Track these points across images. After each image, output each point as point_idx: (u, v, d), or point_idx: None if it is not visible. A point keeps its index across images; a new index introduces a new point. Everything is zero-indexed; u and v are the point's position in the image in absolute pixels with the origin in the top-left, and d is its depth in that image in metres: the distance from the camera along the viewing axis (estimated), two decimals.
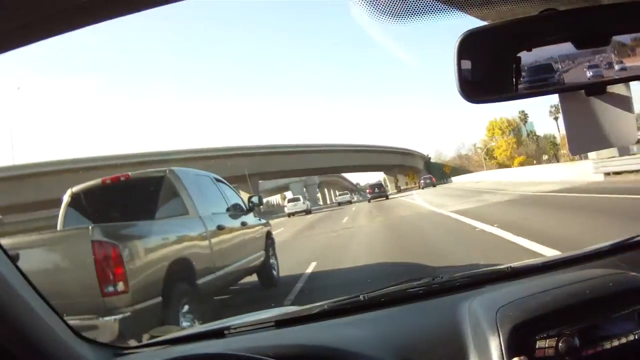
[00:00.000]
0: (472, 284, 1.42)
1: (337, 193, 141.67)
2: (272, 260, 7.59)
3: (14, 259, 1.12)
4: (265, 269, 7.24)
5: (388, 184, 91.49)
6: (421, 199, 26.86)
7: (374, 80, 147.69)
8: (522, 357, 1.00)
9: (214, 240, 5.32)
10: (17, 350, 1.07)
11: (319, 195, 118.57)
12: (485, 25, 1.06)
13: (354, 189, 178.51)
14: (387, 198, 38.85)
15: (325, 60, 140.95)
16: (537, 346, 1.02)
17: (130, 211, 5.29)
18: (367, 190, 43.26)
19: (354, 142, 73.96)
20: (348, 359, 1.11)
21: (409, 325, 1.27)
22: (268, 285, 7.27)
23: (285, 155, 59.25)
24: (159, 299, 3.96)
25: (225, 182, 6.94)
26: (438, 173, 78.82)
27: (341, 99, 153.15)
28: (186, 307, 4.30)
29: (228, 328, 1.46)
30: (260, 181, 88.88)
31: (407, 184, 75.98)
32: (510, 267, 1.47)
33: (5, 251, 1.09)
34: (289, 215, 38.25)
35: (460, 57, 1.05)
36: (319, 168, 66.60)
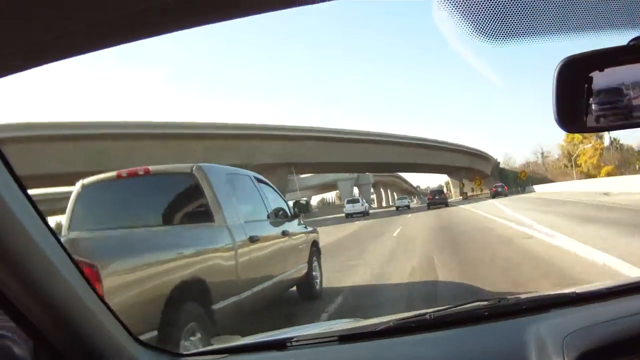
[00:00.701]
0: (538, 307, 1.36)
1: (396, 196, 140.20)
2: (315, 273, 6.69)
3: (74, 260, 1.07)
4: (306, 282, 6.35)
5: (452, 188, 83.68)
6: (524, 216, 16.09)
7: (443, 70, 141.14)
8: None
9: (243, 254, 4.46)
10: (69, 349, 1.05)
11: (373, 196, 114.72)
12: (587, 52, 1.02)
13: (414, 191, 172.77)
14: (446, 206, 38.29)
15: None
16: None
17: (146, 213, 4.53)
18: (427, 197, 42.72)
19: (415, 135, 62.17)
20: None
21: (474, 347, 1.22)
22: (308, 298, 6.39)
23: (328, 142, 45.99)
24: (154, 333, 3.14)
25: (268, 182, 6.08)
26: (508, 180, 71.63)
27: (401, 85, 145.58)
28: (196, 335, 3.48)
29: (290, 340, 1.40)
30: (301, 176, 79.39)
31: (472, 190, 68.26)
32: (576, 292, 1.41)
33: (63, 246, 1.04)
34: (347, 216, 39.03)
35: (559, 83, 1.04)
36: (373, 164, 55.38)
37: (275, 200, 6.04)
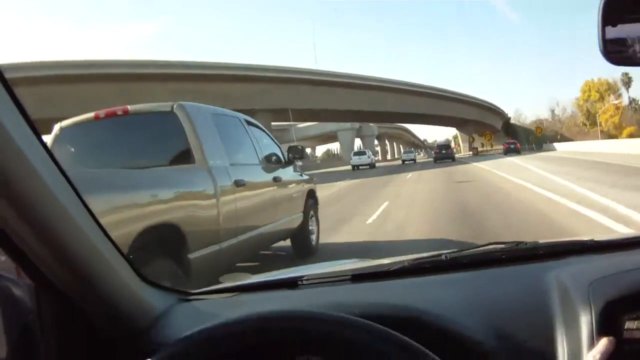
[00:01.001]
0: (557, 253, 1.33)
1: (402, 149, 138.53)
2: (311, 226, 6.37)
3: (81, 194, 1.01)
4: (301, 235, 6.03)
5: (460, 142, 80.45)
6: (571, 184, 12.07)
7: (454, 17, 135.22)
8: (611, 338, 0.92)
9: (226, 199, 4.12)
10: (74, 290, 1.01)
11: (377, 149, 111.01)
12: None
13: (421, 145, 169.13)
14: (453, 160, 38.51)
15: None
16: (625, 327, 0.95)
17: (124, 154, 4.19)
18: (434, 151, 42.30)
19: (422, 83, 56.28)
20: (431, 321, 1.04)
21: (493, 290, 1.18)
22: (303, 254, 6.09)
23: (326, 88, 41.11)
24: None
25: (261, 126, 5.68)
26: (519, 137, 67.74)
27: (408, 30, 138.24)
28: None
29: (301, 278, 1.37)
30: (298, 125, 71.73)
31: (482, 145, 61.34)
32: (595, 240, 1.37)
33: (72, 184, 0.99)
34: (354, 167, 40.03)
35: (605, 15, 1.03)
36: (376, 113, 50.39)
37: (267, 145, 5.66)
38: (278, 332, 0.91)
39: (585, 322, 0.97)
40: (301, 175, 6.23)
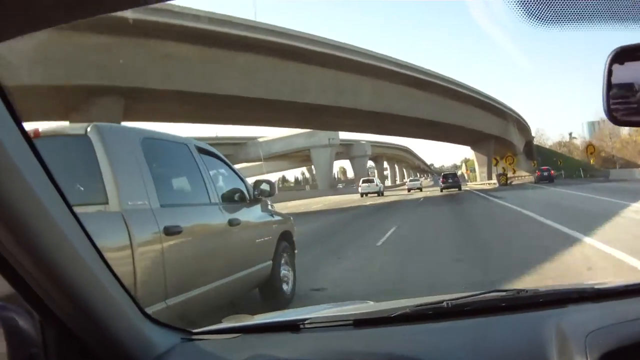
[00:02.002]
0: (558, 301, 1.35)
1: (405, 173, 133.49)
2: (284, 272, 5.32)
3: (88, 232, 1.05)
4: (270, 286, 4.99)
5: (477, 166, 63.41)
6: None
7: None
8: None
9: (146, 251, 3.13)
10: (78, 323, 1.03)
11: (373, 171, 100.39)
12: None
13: (427, 169, 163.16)
14: (459, 189, 37.11)
15: None
16: None
17: None
18: (441, 180, 40.66)
19: (430, 69, 36.77)
20: None
21: (493, 339, 1.21)
22: (273, 302, 5.00)
23: (286, 62, 25.33)
24: None
25: (218, 154, 4.69)
26: (547, 163, 53.73)
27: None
28: None
29: (303, 322, 1.38)
30: (259, 139, 61.64)
31: (504, 170, 46.55)
32: (594, 287, 1.40)
33: (80, 222, 1.02)
34: (362, 195, 39.62)
35: (610, 74, 1.05)
36: (362, 114, 32.04)
37: (227, 179, 4.68)
38: None
39: None
40: (272, 215, 5.21)
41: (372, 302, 1.72)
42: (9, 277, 0.93)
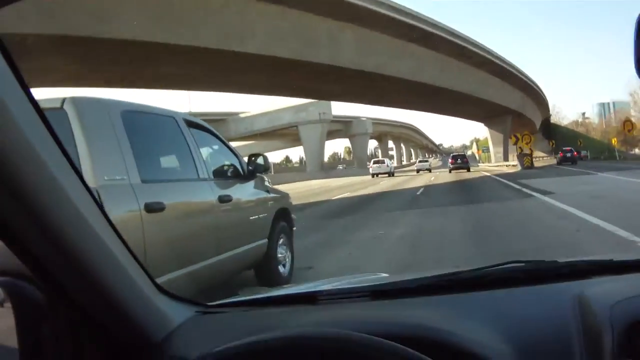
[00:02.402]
0: (578, 273, 1.29)
1: (412, 153, 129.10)
2: (281, 253, 5.17)
3: (98, 201, 1.02)
4: (266, 266, 4.84)
5: (491, 146, 56.67)
6: None
7: None
8: None
9: (131, 227, 2.99)
10: (89, 298, 1.00)
11: (377, 152, 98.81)
12: None
13: (435, 149, 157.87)
14: (468, 170, 36.64)
15: None
16: None
17: None
18: (450, 160, 40.36)
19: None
20: (451, 341, 1.02)
21: (513, 310, 1.16)
22: (269, 284, 4.86)
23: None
24: None
25: (212, 129, 4.51)
26: (564, 142, 51.58)
27: None
28: None
29: (320, 293, 1.38)
30: (240, 115, 57.76)
31: (520, 150, 40.67)
32: (614, 260, 1.36)
33: (90, 191, 0.98)
34: (373, 175, 39.95)
35: (638, 35, 1.03)
36: (351, 73, 24.33)
37: (219, 154, 4.51)
38: (310, 352, 0.91)
39: (608, 345, 0.96)
40: (267, 192, 5.03)
41: (386, 275, 1.70)
42: (18, 252, 0.91)
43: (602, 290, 1.14)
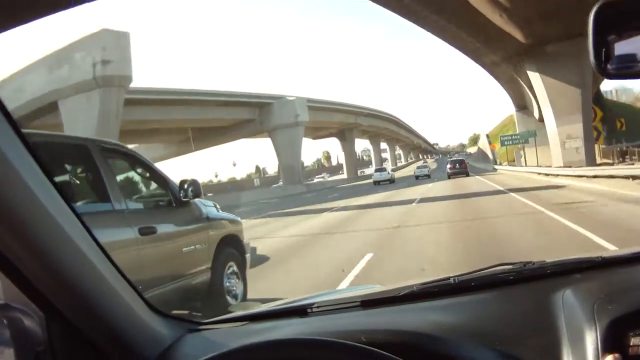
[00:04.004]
0: (564, 272, 1.32)
1: (403, 155, 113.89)
2: (229, 282, 4.80)
3: (89, 227, 1.04)
4: (211, 296, 4.49)
5: (551, 119, 26.56)
6: None
7: None
8: (617, 355, 0.93)
9: None
10: (83, 319, 1.03)
11: (363, 155, 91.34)
12: None
13: (431, 150, 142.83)
14: (467, 175, 34.31)
15: None
16: (631, 343, 0.96)
17: None
18: (448, 166, 38.13)
19: None
20: (438, 345, 1.05)
21: (500, 312, 1.20)
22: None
23: None
24: None
25: (135, 154, 4.16)
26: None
27: None
28: None
29: (311, 306, 1.38)
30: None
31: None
32: (602, 257, 1.37)
33: (79, 217, 1.01)
34: (375, 183, 40.77)
35: (596, 28, 1.06)
36: None
37: (146, 182, 4.18)
38: (291, 358, 0.91)
39: (591, 341, 0.97)
40: (207, 219, 4.67)
41: (379, 286, 1.70)
42: (12, 277, 0.93)
43: (587, 287, 1.16)
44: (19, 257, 0.89)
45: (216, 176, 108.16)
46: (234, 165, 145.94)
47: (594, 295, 1.07)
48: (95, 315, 1.03)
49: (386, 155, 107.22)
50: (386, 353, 0.87)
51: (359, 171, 77.18)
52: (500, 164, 47.43)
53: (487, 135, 66.50)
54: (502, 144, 42.01)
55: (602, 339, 0.96)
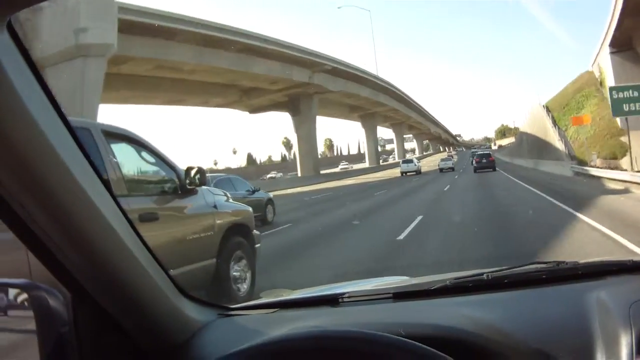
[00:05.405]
0: (597, 273, 1.31)
1: (420, 151, 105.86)
2: (236, 272, 4.75)
3: (122, 207, 1.01)
4: (216, 285, 4.45)
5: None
6: None
7: None
8: None
9: None
10: (112, 302, 1.01)
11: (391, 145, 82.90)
12: None
13: (453, 142, 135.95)
14: (493, 169, 32.14)
15: None
16: None
17: None
18: (474, 160, 36.21)
19: None
20: (472, 342, 1.03)
21: (534, 311, 1.17)
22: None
23: None
24: None
25: (141, 140, 4.12)
26: None
27: None
28: None
29: (342, 295, 1.37)
30: None
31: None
32: (632, 260, 1.34)
33: (115, 198, 1.00)
34: (402, 173, 41.62)
35: None
36: None
37: (151, 168, 4.14)
38: (330, 350, 0.90)
39: (626, 344, 0.95)
40: (214, 206, 4.61)
41: (407, 277, 1.69)
42: (40, 256, 0.92)
43: (621, 290, 1.15)
44: (48, 235, 0.88)
45: (215, 164, 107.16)
46: (234, 152, 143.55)
47: (630, 298, 1.05)
48: (124, 297, 1.02)
49: (392, 145, 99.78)
50: (431, 349, 0.86)
51: (381, 160, 74.73)
52: (584, 162, 23.49)
53: (547, 108, 37.14)
54: (618, 109, 20.43)
55: (637, 342, 0.94)
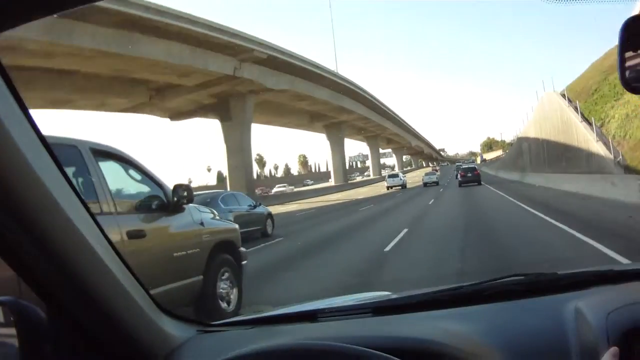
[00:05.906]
0: (577, 284, 1.31)
1: (400, 167, 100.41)
2: (223, 288, 4.78)
3: (102, 227, 1.05)
4: (203, 302, 4.48)
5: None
6: None
7: None
8: None
9: None
10: (91, 317, 1.02)
11: (353, 162, 77.54)
12: None
13: (436, 156, 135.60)
14: (479, 183, 31.25)
15: None
16: None
17: None
18: (459, 174, 35.61)
19: None
20: (450, 354, 1.04)
21: (512, 323, 1.18)
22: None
23: None
24: None
25: (129, 158, 4.16)
26: None
27: None
28: None
29: (322, 311, 1.40)
30: None
31: None
32: (613, 269, 1.37)
33: (93, 217, 1.02)
34: (388, 188, 42.92)
35: (623, 44, 1.11)
36: None
37: (140, 186, 4.18)
38: None
39: (603, 355, 0.95)
40: (201, 224, 4.65)
41: (388, 293, 1.69)
42: (21, 273, 0.92)
43: (599, 300, 1.14)
44: (27, 252, 0.88)
45: (190, 182, 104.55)
46: (209, 170, 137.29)
47: (607, 307, 1.05)
48: (103, 312, 1.02)
49: (390, 160, 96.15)
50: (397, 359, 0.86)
51: (349, 177, 68.80)
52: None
53: (567, 97, 25.48)
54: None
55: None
